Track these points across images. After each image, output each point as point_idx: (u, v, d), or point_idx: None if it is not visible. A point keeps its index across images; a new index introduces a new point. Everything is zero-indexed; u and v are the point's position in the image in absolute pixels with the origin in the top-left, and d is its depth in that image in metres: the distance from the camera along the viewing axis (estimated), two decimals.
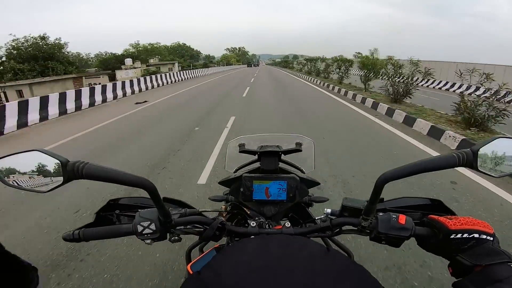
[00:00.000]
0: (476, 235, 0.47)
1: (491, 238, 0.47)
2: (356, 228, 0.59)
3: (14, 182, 0.47)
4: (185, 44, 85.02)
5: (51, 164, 0.46)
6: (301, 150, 0.80)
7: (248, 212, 0.77)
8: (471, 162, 0.47)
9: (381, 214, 0.55)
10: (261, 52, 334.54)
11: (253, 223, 0.64)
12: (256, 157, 0.80)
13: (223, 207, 0.78)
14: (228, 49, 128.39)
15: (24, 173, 0.48)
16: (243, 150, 0.81)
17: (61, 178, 0.46)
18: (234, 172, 0.83)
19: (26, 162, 0.48)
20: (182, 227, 0.61)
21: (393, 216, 0.53)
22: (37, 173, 0.48)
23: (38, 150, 0.46)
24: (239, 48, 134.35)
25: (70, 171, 0.45)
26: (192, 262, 0.73)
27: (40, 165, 0.47)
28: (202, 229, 0.63)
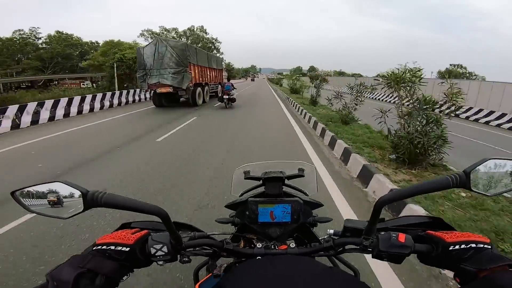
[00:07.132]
0: (474, 245, 0.49)
1: (489, 246, 0.49)
2: (358, 247, 0.61)
3: (37, 209, 0.52)
4: (70, 35, 40.21)
5: (72, 193, 0.51)
6: (303, 176, 0.83)
7: (254, 237, 0.78)
8: (464, 183, 0.50)
9: (382, 233, 0.57)
10: (262, 66, 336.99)
11: (259, 244, 0.66)
12: (260, 181, 0.82)
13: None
14: (150, 32, 40.76)
15: (47, 201, 0.52)
16: (248, 176, 0.83)
17: (81, 206, 0.50)
18: (239, 196, 0.86)
19: (49, 191, 0.52)
20: (191, 249, 0.64)
21: (393, 234, 0.55)
22: (58, 202, 0.52)
23: (61, 182, 0.50)
24: (191, 28, 45.56)
25: (89, 200, 0.49)
26: (201, 281, 0.74)
27: (62, 195, 0.52)
28: (211, 251, 0.66)
